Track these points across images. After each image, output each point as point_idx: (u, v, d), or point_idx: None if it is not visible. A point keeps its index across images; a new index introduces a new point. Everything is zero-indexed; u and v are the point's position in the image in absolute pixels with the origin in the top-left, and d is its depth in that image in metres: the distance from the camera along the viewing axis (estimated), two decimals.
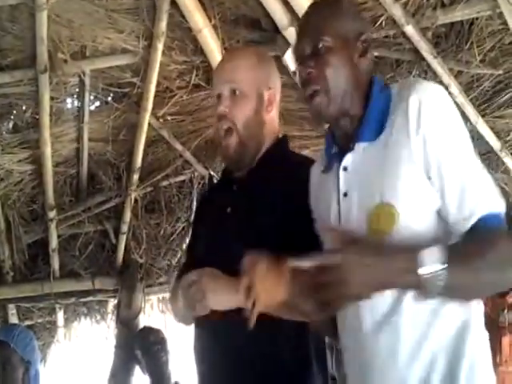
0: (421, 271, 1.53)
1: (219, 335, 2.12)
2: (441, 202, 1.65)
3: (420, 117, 1.65)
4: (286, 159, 2.30)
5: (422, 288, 1.55)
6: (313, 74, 1.81)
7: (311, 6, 2.00)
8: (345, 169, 1.81)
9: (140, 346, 5.26)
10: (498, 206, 1.65)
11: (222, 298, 2.01)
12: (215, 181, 4.96)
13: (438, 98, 1.70)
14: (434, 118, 1.66)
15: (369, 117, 1.78)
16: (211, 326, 2.13)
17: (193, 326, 2.34)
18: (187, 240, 5.05)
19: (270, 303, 1.79)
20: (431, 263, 1.53)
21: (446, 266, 1.52)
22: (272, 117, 2.30)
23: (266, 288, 1.75)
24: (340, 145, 1.87)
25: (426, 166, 1.65)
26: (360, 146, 1.78)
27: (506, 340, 4.91)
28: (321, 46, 1.81)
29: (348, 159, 1.80)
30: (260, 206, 2.15)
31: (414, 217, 1.66)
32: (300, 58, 1.88)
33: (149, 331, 5.42)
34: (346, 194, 1.80)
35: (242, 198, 2.23)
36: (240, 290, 1.78)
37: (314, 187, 2.02)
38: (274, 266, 1.74)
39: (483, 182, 1.66)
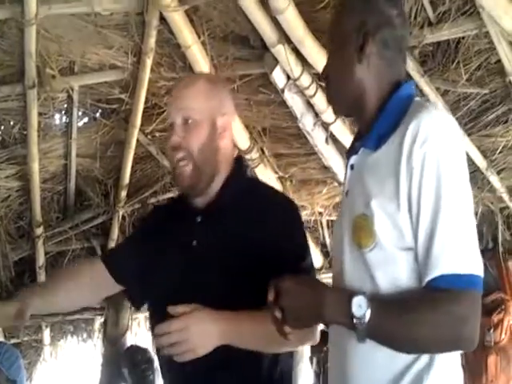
0: (344, 310, 1.56)
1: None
2: (414, 245, 1.60)
3: (413, 150, 1.59)
4: (249, 188, 2.29)
5: (351, 329, 1.57)
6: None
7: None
8: (352, 167, 1.81)
9: (127, 365, 5.23)
10: (469, 268, 1.54)
11: (209, 345, 1.94)
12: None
13: (437, 134, 1.60)
14: (426, 155, 1.58)
15: (377, 125, 1.75)
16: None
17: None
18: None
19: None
20: (357, 308, 1.54)
21: (369, 312, 1.53)
22: (227, 142, 2.28)
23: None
24: (357, 139, 1.89)
25: (408, 200, 1.59)
26: (364, 151, 1.77)
27: (491, 360, 4.90)
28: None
29: (354, 159, 1.81)
30: (229, 238, 2.13)
31: (390, 243, 1.61)
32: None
33: (136, 350, 5.40)
34: (347, 194, 1.80)
35: (208, 232, 2.18)
36: None
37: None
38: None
39: (458, 239, 1.55)
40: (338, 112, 1.99)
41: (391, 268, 1.61)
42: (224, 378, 2.07)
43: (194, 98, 2.23)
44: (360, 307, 1.53)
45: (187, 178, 2.19)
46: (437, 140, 1.59)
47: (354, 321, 1.54)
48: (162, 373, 2.32)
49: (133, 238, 2.66)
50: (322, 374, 4.67)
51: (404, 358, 1.61)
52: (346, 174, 1.86)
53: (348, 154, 1.88)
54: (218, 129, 2.24)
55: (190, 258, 2.17)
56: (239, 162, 2.39)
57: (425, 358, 1.60)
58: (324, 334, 1.93)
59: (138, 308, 2.71)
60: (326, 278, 5.71)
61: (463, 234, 1.56)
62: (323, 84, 4.13)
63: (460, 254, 1.54)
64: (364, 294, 1.56)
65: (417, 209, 1.57)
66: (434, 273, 1.54)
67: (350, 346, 1.67)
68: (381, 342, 1.58)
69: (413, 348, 1.59)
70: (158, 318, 2.02)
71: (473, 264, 1.54)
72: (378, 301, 1.55)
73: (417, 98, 1.80)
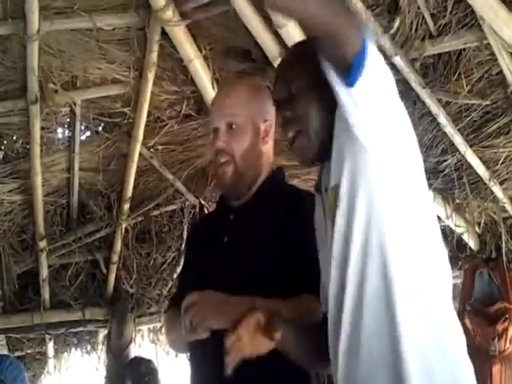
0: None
1: (216, 360, 2.11)
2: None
3: None
4: (283, 191, 2.34)
5: None
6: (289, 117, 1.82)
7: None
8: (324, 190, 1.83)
9: (131, 377, 5.23)
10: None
11: (221, 315, 1.98)
12: (209, 210, 4.97)
13: None
14: None
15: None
16: (207, 351, 2.10)
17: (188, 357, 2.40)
18: (178, 269, 5.04)
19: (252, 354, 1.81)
20: None
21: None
22: (268, 147, 2.33)
23: (252, 342, 1.77)
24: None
25: None
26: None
27: (496, 369, 4.89)
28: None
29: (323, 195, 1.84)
30: (258, 236, 2.17)
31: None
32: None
33: (140, 361, 5.40)
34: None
35: (239, 228, 2.25)
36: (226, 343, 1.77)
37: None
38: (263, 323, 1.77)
39: None
40: (308, 157, 1.86)
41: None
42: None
43: (238, 104, 2.28)
44: None
45: (228, 179, 2.26)
46: None
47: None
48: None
49: (185, 250, 2.73)
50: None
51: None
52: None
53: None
54: (261, 134, 2.29)
55: (220, 254, 2.24)
56: (280, 170, 2.45)
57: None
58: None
59: None
60: None
61: None
62: None
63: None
64: None
65: None
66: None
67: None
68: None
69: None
70: None
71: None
72: None
73: None
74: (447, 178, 4.68)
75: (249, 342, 1.75)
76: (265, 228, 2.19)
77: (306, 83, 1.80)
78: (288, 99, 1.82)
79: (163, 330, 2.92)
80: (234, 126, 2.25)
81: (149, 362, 5.40)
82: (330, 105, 1.70)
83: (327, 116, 1.75)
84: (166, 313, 2.95)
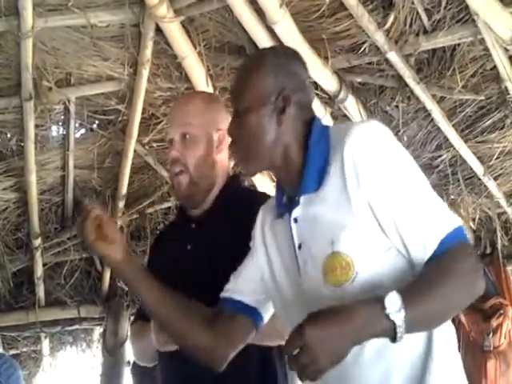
0: (385, 319, 1.46)
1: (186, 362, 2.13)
2: (401, 243, 1.62)
3: (358, 174, 1.63)
4: (241, 197, 2.38)
5: (391, 334, 1.49)
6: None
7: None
8: (295, 220, 1.77)
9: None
10: (451, 224, 1.62)
11: None
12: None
13: (371, 144, 1.65)
14: (371, 170, 1.63)
15: (308, 168, 1.74)
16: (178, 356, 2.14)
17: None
18: None
19: None
20: (393, 310, 1.46)
21: (404, 308, 1.47)
22: (223, 156, 2.40)
23: None
24: (288, 195, 1.84)
25: (374, 216, 1.62)
26: (305, 198, 1.75)
27: (491, 364, 4.91)
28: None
29: (296, 211, 1.77)
30: (220, 243, 2.22)
31: (369, 260, 1.62)
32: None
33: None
34: (300, 246, 1.76)
35: (201, 236, 2.31)
36: None
37: (263, 230, 1.96)
38: None
39: (433, 207, 1.64)
40: (251, 172, 1.89)
41: (382, 276, 1.62)
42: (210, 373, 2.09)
43: (191, 115, 2.35)
44: (393, 305, 1.47)
45: (184, 189, 2.32)
46: (374, 151, 1.65)
47: (392, 318, 1.46)
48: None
49: (149, 258, 2.72)
50: None
51: (404, 366, 1.63)
52: (290, 230, 1.79)
53: (282, 210, 1.85)
54: (215, 143, 2.36)
55: (184, 261, 2.29)
56: (236, 176, 2.53)
57: (422, 361, 1.63)
58: None
59: None
60: None
61: (434, 202, 1.65)
62: (319, 92, 4.16)
63: (442, 216, 1.63)
64: (389, 292, 1.50)
65: (389, 214, 1.62)
66: (434, 243, 1.59)
67: (349, 361, 1.62)
68: (421, 329, 1.59)
69: (449, 316, 1.66)
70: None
71: (453, 219, 1.64)
72: (404, 291, 1.50)
73: (330, 126, 1.84)
74: (442, 174, 4.70)
75: None
76: (226, 234, 2.22)
77: (251, 105, 1.82)
78: (235, 116, 1.86)
79: (130, 341, 2.95)
80: (187, 136, 2.32)
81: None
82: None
83: (272, 138, 1.79)
84: (132, 325, 3.02)
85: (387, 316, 1.46)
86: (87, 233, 1.84)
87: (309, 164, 1.75)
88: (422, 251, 1.60)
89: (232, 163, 2.59)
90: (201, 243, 2.28)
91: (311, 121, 1.81)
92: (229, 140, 2.31)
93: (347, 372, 1.66)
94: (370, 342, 1.55)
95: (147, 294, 1.92)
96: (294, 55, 1.88)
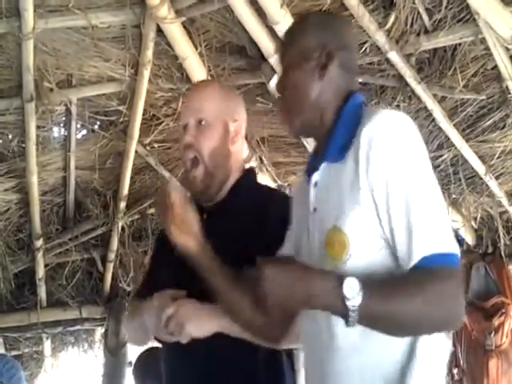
0: (337, 296, 1.51)
1: (194, 356, 2.13)
2: (391, 241, 1.61)
3: (369, 158, 1.62)
4: (255, 191, 2.33)
5: (341, 314, 1.53)
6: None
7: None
8: (315, 184, 1.80)
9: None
10: (447, 247, 1.57)
11: (201, 325, 2.03)
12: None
13: (391, 134, 1.63)
14: (382, 159, 1.61)
15: (334, 137, 1.76)
16: (185, 349, 2.12)
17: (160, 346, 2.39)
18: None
19: None
20: (349, 290, 1.51)
21: (361, 294, 1.50)
22: (238, 148, 2.32)
23: None
24: (316, 156, 1.88)
25: (375, 205, 1.61)
26: (326, 166, 1.77)
27: (492, 363, 4.90)
28: None
29: (316, 175, 1.80)
30: (230, 237, 2.16)
31: (364, 248, 1.63)
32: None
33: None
34: (315, 210, 1.78)
35: (212, 228, 2.21)
36: None
37: (295, 199, 2.01)
38: None
39: (432, 222, 1.59)
40: (295, 131, 1.92)
41: (370, 273, 1.61)
42: (218, 371, 2.12)
43: (208, 101, 2.27)
44: (352, 289, 1.51)
45: (199, 183, 2.24)
46: (393, 138, 1.63)
47: (346, 303, 1.50)
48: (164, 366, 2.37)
49: (156, 247, 2.68)
50: None
51: (383, 363, 1.62)
52: (309, 192, 1.82)
53: (308, 172, 1.87)
54: (230, 133, 2.28)
55: None
56: (251, 170, 2.46)
57: (404, 361, 1.61)
58: None
59: None
60: None
61: (436, 218, 1.60)
62: None
63: (437, 236, 1.58)
64: (355, 276, 1.54)
65: (386, 208, 1.60)
66: (416, 257, 1.56)
67: (327, 352, 1.68)
68: (372, 326, 1.57)
69: (404, 329, 1.59)
70: None
71: (449, 243, 1.58)
72: (369, 283, 1.53)
73: (368, 105, 1.84)
74: (443, 173, 4.70)
75: None
76: (237, 229, 2.18)
77: (294, 61, 1.84)
78: (282, 74, 1.89)
79: (126, 319, 2.90)
80: (203, 122, 2.24)
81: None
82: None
83: (314, 94, 1.81)
84: (129, 303, 2.96)
85: (342, 298, 1.50)
86: (167, 217, 1.90)
87: (336, 133, 1.77)
88: (406, 258, 1.58)
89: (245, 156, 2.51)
90: (211, 235, 2.17)
91: (351, 93, 1.83)
92: (243, 132, 2.34)
93: (326, 363, 1.69)
94: (346, 334, 1.61)
95: (221, 283, 1.96)
96: (339, 17, 1.92)
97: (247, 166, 2.47)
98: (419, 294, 1.53)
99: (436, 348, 1.65)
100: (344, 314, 1.52)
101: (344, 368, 1.66)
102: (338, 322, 1.57)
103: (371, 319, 1.55)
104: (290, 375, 2.24)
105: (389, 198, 1.60)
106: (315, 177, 1.80)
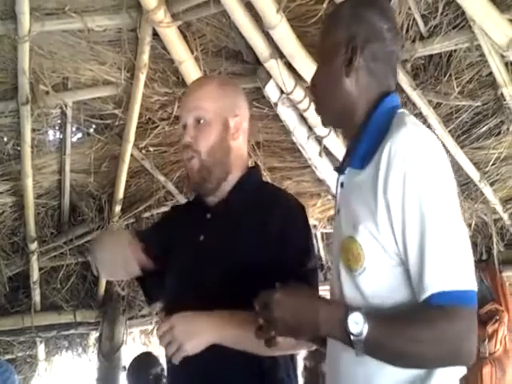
0: (342, 330, 1.53)
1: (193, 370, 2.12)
2: (405, 261, 1.58)
3: (388, 176, 1.56)
4: (259, 190, 2.31)
5: (348, 345, 1.54)
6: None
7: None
8: (342, 185, 1.79)
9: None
10: (462, 284, 1.52)
11: (196, 342, 2.01)
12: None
13: (414, 152, 1.57)
14: (405, 175, 1.55)
15: (360, 144, 1.73)
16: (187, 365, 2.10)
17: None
18: None
19: None
20: (353, 325, 1.52)
21: (366, 328, 1.51)
22: (239, 144, 2.30)
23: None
24: (346, 156, 1.86)
25: (390, 224, 1.58)
26: (350, 170, 1.75)
27: (486, 370, 4.90)
28: None
29: (342, 178, 1.79)
30: (233, 236, 2.15)
31: (379, 263, 1.61)
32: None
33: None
34: (338, 211, 1.78)
35: (215, 227, 2.23)
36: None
37: None
38: None
39: (448, 254, 1.53)
40: (325, 123, 1.94)
41: (383, 288, 1.61)
42: (220, 380, 2.10)
43: (206, 99, 2.26)
44: (357, 324, 1.51)
45: (195, 174, 2.23)
46: (415, 159, 1.56)
47: (351, 338, 1.52)
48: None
49: (156, 228, 2.68)
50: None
51: (399, 375, 1.60)
52: (336, 191, 1.84)
53: (338, 170, 1.85)
54: (231, 129, 2.26)
55: (196, 253, 2.22)
56: (256, 168, 2.46)
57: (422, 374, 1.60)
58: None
59: (149, 303, 2.76)
60: (322, 290, 5.73)
61: (453, 250, 1.54)
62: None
63: (452, 271, 1.52)
64: (360, 309, 1.54)
65: (402, 230, 1.56)
66: (428, 291, 1.52)
67: (343, 360, 1.67)
68: (378, 358, 1.57)
69: (410, 364, 1.57)
70: (166, 313, 2.11)
71: (466, 279, 1.53)
72: (375, 317, 1.53)
73: (400, 111, 1.75)
74: None
75: None
76: (240, 228, 2.16)
77: (324, 56, 1.86)
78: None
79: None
80: (201, 121, 2.23)
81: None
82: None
83: (342, 91, 1.80)
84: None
85: (347, 333, 1.52)
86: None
87: (362, 141, 1.73)
88: (418, 289, 1.55)
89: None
90: (214, 235, 2.20)
91: (384, 94, 1.78)
92: (245, 126, 2.34)
93: (339, 367, 1.70)
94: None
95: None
96: (374, 3, 1.81)
97: (251, 163, 2.45)
98: (425, 333, 1.51)
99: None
100: (351, 345, 1.53)
101: (352, 374, 1.66)
102: None
103: (376, 353, 1.55)
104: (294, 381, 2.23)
105: (405, 218, 1.55)
106: (342, 177, 1.80)
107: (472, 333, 1.53)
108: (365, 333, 1.51)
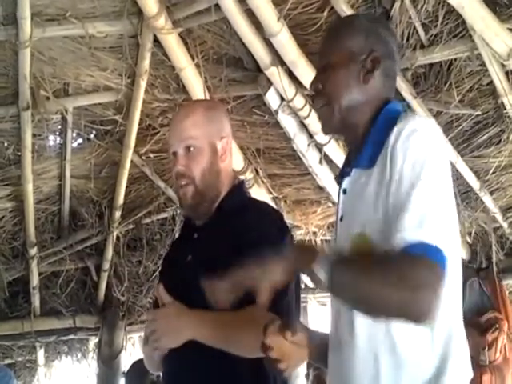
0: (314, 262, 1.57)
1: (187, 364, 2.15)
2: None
3: (394, 150, 1.61)
4: (244, 206, 2.35)
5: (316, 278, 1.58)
6: None
7: None
8: (344, 192, 1.81)
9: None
10: (434, 240, 1.52)
11: (173, 337, 2.08)
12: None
13: (419, 133, 1.61)
14: (401, 157, 1.60)
15: (368, 143, 1.75)
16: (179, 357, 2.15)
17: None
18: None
19: None
20: (324, 258, 1.57)
21: (332, 262, 1.55)
22: (227, 164, 2.38)
23: None
24: (348, 162, 1.87)
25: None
26: (357, 172, 1.77)
27: (486, 378, 4.90)
28: None
29: (346, 182, 1.80)
30: (219, 254, 2.16)
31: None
32: None
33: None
34: (342, 218, 1.80)
35: (202, 246, 2.28)
36: None
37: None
38: None
39: (429, 213, 1.54)
40: (331, 127, 1.91)
41: None
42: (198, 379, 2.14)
43: (194, 127, 2.31)
44: (327, 259, 1.57)
45: (189, 199, 2.28)
46: (419, 137, 1.61)
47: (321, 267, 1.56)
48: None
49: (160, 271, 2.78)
50: None
51: (407, 372, 1.61)
52: (338, 198, 1.84)
53: (339, 178, 1.87)
54: (219, 152, 2.33)
55: (183, 273, 2.25)
56: (240, 184, 2.47)
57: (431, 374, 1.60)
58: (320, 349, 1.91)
59: None
60: (319, 297, 5.73)
61: (436, 211, 1.55)
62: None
63: (430, 226, 1.53)
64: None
65: (396, 187, 1.58)
66: (401, 239, 1.52)
67: (349, 356, 1.67)
68: (344, 299, 1.63)
69: (372, 307, 1.57)
70: None
71: (438, 239, 1.52)
72: (345, 257, 1.61)
73: (404, 113, 1.79)
74: None
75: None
76: (226, 245, 2.18)
77: (340, 60, 1.83)
78: (322, 71, 1.86)
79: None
80: (191, 149, 2.29)
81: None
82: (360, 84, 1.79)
83: (355, 95, 1.80)
84: None
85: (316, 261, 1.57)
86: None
87: (369, 141, 1.75)
88: (391, 236, 1.55)
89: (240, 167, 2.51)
90: (200, 254, 2.25)
91: (388, 100, 1.83)
92: (232, 146, 2.39)
93: (347, 364, 1.69)
94: (368, 336, 1.63)
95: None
96: (385, 24, 1.90)
97: (237, 179, 2.48)
98: (390, 275, 1.51)
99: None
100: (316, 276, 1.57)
101: (362, 370, 1.66)
102: (360, 324, 1.63)
103: (339, 287, 1.58)
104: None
105: (402, 177, 1.58)
106: (345, 183, 1.80)
107: (433, 286, 1.50)
108: (330, 264, 1.55)
